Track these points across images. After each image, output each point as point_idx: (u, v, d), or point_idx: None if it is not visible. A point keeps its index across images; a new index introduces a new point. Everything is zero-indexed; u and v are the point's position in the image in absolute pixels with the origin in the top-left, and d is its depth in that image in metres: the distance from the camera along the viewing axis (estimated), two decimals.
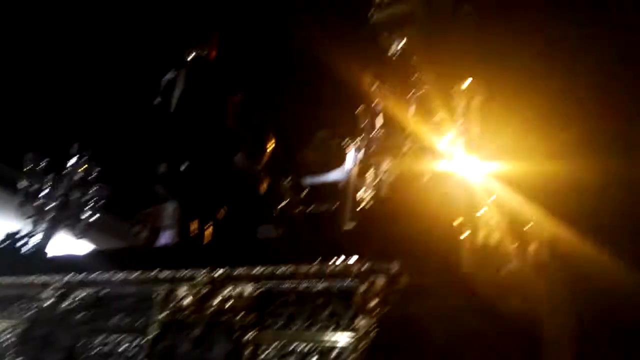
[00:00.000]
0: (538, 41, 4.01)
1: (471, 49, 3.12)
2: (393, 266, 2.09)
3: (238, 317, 2.41)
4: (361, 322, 2.07)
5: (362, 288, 2.12)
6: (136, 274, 2.83)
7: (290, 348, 2.25)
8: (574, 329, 3.08)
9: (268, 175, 3.88)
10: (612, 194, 3.65)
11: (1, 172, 6.15)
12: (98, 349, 2.78)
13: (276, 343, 2.29)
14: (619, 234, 3.48)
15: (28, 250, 3.74)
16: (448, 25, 3.24)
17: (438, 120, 2.77)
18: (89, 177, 4.18)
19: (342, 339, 2.14)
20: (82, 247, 4.35)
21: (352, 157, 3.85)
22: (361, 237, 2.39)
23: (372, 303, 2.07)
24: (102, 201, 4.16)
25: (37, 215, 3.97)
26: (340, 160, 3.94)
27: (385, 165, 2.73)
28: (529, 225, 2.60)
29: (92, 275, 2.98)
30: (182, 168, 3.64)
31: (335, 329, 2.19)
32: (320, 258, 2.30)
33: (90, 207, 4.12)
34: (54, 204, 4.02)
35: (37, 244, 3.81)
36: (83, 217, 4.07)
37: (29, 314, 3.12)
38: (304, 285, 2.33)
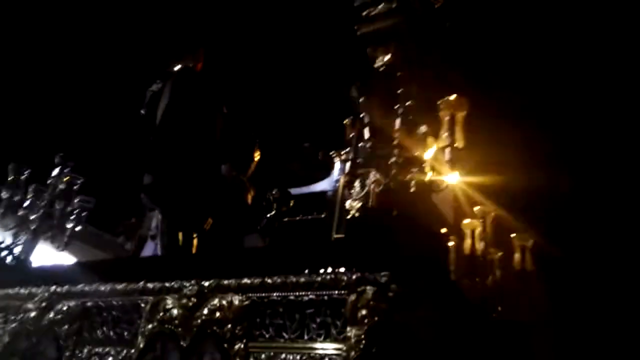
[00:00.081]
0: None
1: (455, 65, 3.19)
2: (382, 276, 2.11)
3: (227, 328, 2.40)
4: (351, 332, 2.08)
5: (352, 298, 2.14)
6: (123, 285, 2.81)
7: (280, 358, 2.25)
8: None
9: (254, 186, 3.89)
10: None
11: None
12: None
13: (266, 353, 2.29)
14: None
15: (11, 261, 3.69)
16: (432, 40, 3.32)
17: (423, 132, 2.83)
18: (72, 188, 4.15)
19: (332, 348, 2.15)
20: (63, 259, 4.30)
21: (339, 168, 3.88)
22: (350, 247, 2.41)
23: (362, 312, 2.08)
24: (85, 212, 4.13)
25: (19, 227, 3.92)
26: (327, 172, 3.98)
27: (372, 176, 2.77)
28: (513, 235, 2.66)
29: (79, 287, 2.95)
30: (168, 179, 3.63)
31: (326, 339, 2.20)
32: (309, 268, 2.31)
33: (73, 219, 4.09)
34: (36, 215, 3.98)
35: (20, 255, 3.75)
36: (66, 228, 4.04)
37: (13, 325, 3.07)
38: (293, 295, 2.33)
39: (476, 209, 2.81)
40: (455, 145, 2.79)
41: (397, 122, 2.85)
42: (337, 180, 3.80)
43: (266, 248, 3.30)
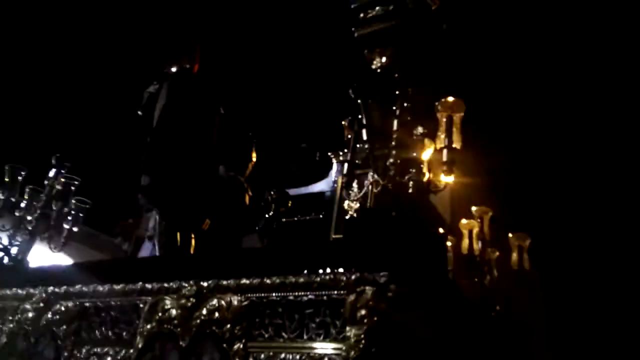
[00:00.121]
0: None
1: (451, 66, 3.22)
2: (381, 276, 2.12)
3: (226, 328, 2.41)
4: (351, 332, 2.08)
5: (351, 298, 2.14)
6: (121, 285, 2.81)
7: (280, 358, 2.26)
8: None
9: (252, 187, 3.90)
10: None
11: None
12: None
13: (265, 353, 2.30)
14: None
15: (8, 262, 3.68)
16: (429, 43, 3.34)
17: (421, 133, 2.85)
18: (69, 189, 4.14)
19: (331, 348, 2.16)
20: (59, 260, 4.29)
21: (337, 169, 3.90)
22: (348, 247, 2.42)
23: (362, 312, 2.09)
24: (82, 214, 4.12)
25: (16, 228, 3.91)
26: (325, 172, 3.99)
27: (370, 177, 2.79)
28: (510, 235, 2.69)
29: (76, 287, 2.95)
30: (165, 179, 3.64)
31: (325, 339, 2.20)
32: (308, 269, 2.32)
33: (70, 220, 4.08)
34: (33, 216, 3.97)
35: (17, 256, 3.75)
36: (63, 229, 4.03)
37: (10, 326, 3.07)
38: (292, 295, 2.34)
39: (474, 209, 2.84)
40: (452, 146, 2.81)
41: (395, 123, 2.87)
42: (335, 181, 3.82)
43: (265, 248, 3.31)
